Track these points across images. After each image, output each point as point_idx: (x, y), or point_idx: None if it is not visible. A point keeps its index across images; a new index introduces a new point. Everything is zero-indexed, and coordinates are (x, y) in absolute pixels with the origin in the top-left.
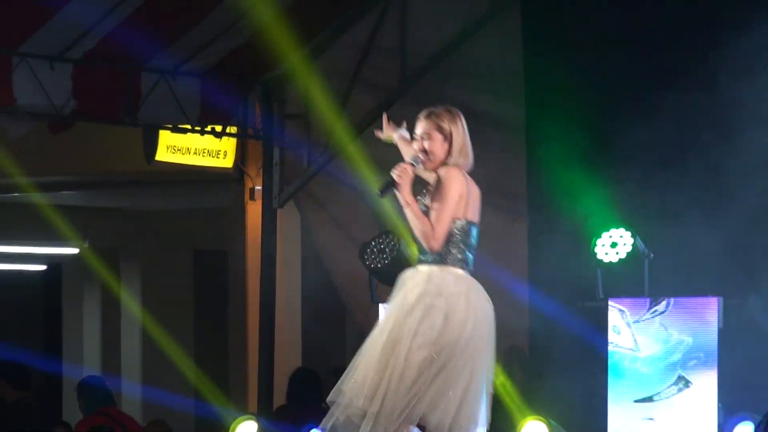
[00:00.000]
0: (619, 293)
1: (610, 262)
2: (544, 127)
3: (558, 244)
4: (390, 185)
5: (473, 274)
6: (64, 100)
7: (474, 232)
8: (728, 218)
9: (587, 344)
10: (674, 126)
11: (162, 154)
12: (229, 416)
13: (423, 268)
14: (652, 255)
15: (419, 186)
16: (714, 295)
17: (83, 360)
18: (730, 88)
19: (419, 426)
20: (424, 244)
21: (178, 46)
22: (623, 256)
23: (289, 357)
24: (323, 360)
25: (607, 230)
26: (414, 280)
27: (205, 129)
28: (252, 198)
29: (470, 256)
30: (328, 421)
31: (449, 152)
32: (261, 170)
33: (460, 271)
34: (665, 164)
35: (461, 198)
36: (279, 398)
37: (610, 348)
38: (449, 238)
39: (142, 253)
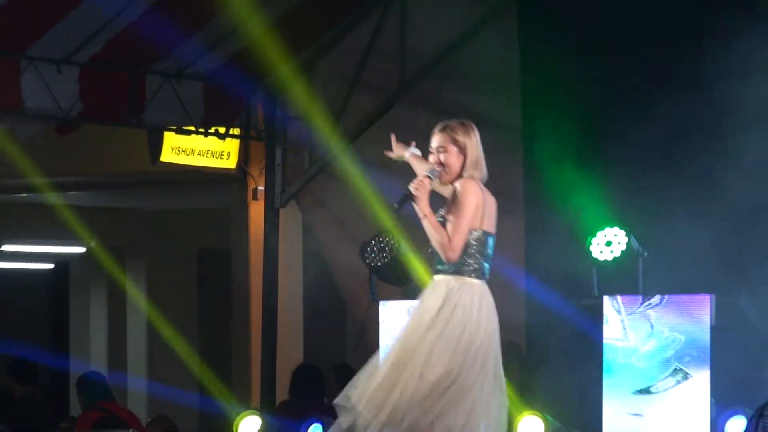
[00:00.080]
0: (613, 291)
1: (605, 261)
2: (540, 127)
3: (554, 242)
4: (407, 198)
5: (488, 282)
6: (71, 103)
7: (490, 242)
8: (720, 217)
9: (583, 340)
10: (668, 126)
11: (167, 155)
12: (233, 411)
13: (440, 279)
14: (646, 253)
15: (435, 200)
16: (707, 292)
17: (90, 356)
18: (723, 90)
19: None
20: (442, 255)
21: (183, 48)
22: (618, 254)
23: (291, 353)
24: (324, 356)
25: (602, 229)
26: (434, 296)
27: (209, 130)
28: (255, 198)
29: (486, 266)
30: (335, 430)
31: (464, 164)
32: (263, 171)
33: (476, 281)
34: (659, 164)
35: (477, 209)
36: (281, 393)
37: (605, 342)
38: (466, 249)
39: (147, 251)
